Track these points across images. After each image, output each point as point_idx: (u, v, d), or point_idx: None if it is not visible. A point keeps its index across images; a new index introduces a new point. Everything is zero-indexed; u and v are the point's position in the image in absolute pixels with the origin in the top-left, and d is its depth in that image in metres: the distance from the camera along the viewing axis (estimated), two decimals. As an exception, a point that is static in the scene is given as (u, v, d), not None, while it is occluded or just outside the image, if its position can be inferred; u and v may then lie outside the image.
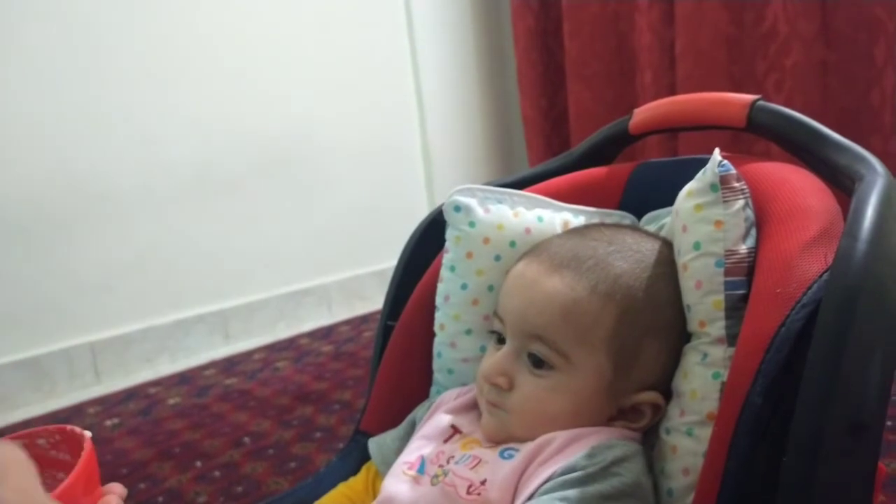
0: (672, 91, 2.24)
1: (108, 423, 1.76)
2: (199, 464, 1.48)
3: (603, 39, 2.49)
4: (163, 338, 2.13)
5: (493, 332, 0.70)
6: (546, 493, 0.57)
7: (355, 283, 2.50)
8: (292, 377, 1.93)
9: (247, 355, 2.15)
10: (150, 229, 2.11)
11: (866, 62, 1.94)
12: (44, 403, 1.92)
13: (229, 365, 2.09)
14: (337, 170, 2.47)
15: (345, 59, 2.46)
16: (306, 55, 2.37)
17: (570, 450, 0.60)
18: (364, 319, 2.39)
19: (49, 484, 0.65)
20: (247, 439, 1.57)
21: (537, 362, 0.65)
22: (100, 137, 2.01)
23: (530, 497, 0.58)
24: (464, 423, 0.71)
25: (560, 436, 0.62)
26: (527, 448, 0.62)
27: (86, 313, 2.03)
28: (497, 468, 0.62)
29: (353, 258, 2.51)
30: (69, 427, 0.62)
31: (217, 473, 1.44)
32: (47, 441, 0.63)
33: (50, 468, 0.64)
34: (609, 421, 0.65)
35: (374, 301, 2.43)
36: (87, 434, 0.60)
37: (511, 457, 0.63)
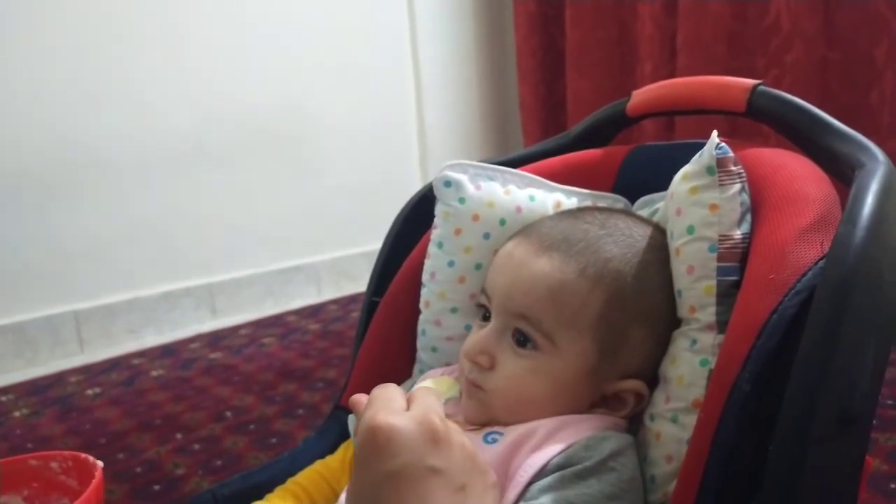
0: (671, 83, 2.23)
1: (90, 392, 1.74)
2: (179, 436, 1.47)
3: (604, 28, 2.47)
4: (149, 309, 2.12)
5: (479, 305, 0.69)
6: (545, 490, 0.55)
7: (345, 263, 2.49)
8: (278, 354, 1.92)
9: (233, 330, 2.14)
10: (140, 200, 2.09)
11: (867, 62, 1.93)
12: (25, 370, 1.90)
13: (215, 339, 2.07)
14: (332, 149, 2.45)
15: (344, 37, 2.44)
16: (305, 32, 2.35)
17: (560, 436, 0.59)
18: (353, 299, 2.38)
19: None
20: (229, 413, 1.56)
21: (521, 342, 0.63)
22: (93, 106, 1.98)
23: (527, 486, 0.56)
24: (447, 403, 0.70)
25: (547, 423, 0.60)
26: (512, 434, 0.61)
27: (71, 282, 2.01)
28: (481, 453, 0.61)
29: (344, 238, 2.49)
30: (83, 455, 0.66)
31: (197, 446, 1.42)
32: (60, 465, 0.67)
33: (57, 492, 0.68)
34: (591, 408, 0.64)
35: (364, 282, 2.39)
36: (100, 464, 0.63)
37: (495, 441, 0.61)
